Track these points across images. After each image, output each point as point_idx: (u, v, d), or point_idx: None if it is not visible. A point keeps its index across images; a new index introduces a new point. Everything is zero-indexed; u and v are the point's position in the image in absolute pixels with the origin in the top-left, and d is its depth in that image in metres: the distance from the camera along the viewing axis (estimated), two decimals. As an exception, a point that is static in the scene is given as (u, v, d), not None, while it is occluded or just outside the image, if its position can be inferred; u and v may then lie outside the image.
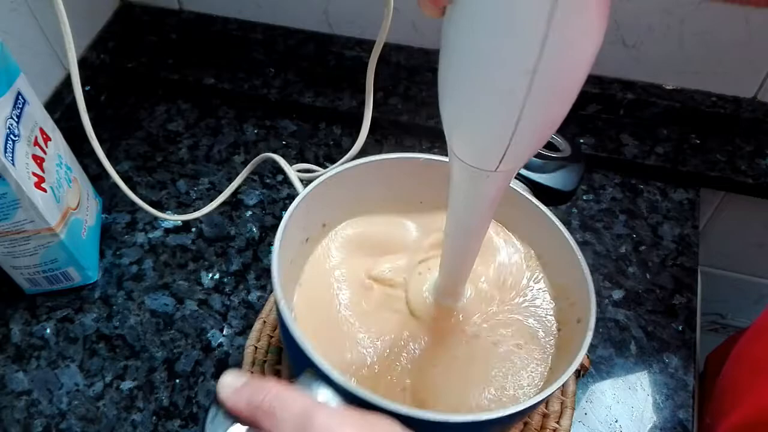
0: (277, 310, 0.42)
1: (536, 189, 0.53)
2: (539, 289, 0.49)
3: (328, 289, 0.49)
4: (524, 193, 0.49)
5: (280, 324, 0.45)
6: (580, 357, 0.40)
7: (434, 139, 0.68)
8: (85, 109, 0.50)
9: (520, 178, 0.53)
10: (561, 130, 0.63)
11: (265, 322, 0.54)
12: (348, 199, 0.50)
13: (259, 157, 0.62)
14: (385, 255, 0.50)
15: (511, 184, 0.50)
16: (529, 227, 0.49)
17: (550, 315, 0.48)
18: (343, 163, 0.49)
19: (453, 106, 0.29)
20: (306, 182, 0.55)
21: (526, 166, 0.53)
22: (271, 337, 0.53)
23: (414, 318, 0.47)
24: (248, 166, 0.63)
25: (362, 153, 0.50)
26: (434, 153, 0.68)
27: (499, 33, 0.24)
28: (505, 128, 0.27)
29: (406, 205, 0.52)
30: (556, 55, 0.23)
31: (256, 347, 0.52)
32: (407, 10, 0.64)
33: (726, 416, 0.49)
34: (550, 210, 0.48)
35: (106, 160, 0.53)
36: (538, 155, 0.54)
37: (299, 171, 0.61)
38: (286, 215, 0.46)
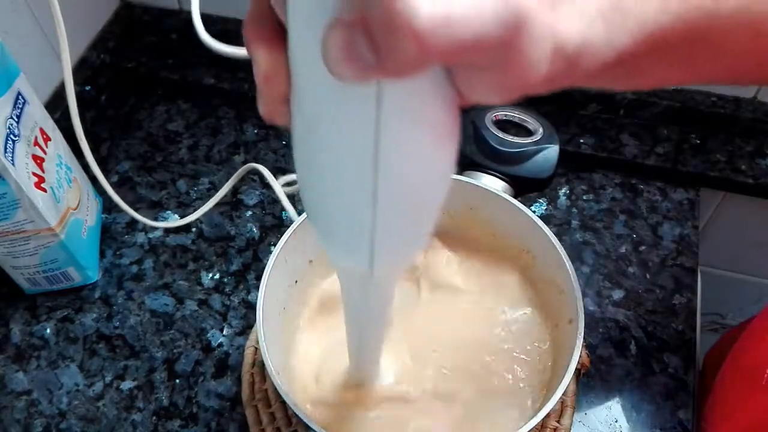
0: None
1: (515, 181, 0.53)
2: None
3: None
4: (503, 195, 0.49)
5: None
6: (574, 363, 0.41)
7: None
8: (77, 116, 0.50)
9: (496, 174, 0.53)
10: (554, 123, 0.63)
11: (265, 322, 0.54)
12: None
13: (244, 167, 0.62)
14: None
15: (489, 184, 0.50)
16: (514, 226, 0.49)
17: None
18: None
19: (308, 211, 0.28)
20: (291, 196, 0.56)
21: (501, 160, 0.53)
22: (271, 337, 0.53)
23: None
24: (234, 176, 0.63)
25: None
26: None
27: (331, 142, 0.23)
28: (361, 233, 0.26)
29: None
30: (396, 163, 0.23)
31: (256, 347, 0.52)
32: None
33: (725, 419, 0.49)
34: (537, 200, 0.48)
35: (99, 169, 0.54)
36: (512, 144, 0.53)
37: (285, 184, 0.61)
38: (270, 260, 0.46)
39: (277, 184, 0.59)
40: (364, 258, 0.28)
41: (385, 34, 0.16)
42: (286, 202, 0.59)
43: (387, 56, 0.17)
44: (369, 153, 0.22)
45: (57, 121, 0.56)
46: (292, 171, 0.67)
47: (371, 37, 0.17)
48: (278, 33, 0.22)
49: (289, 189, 0.61)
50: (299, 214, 0.49)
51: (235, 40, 0.72)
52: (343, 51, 0.17)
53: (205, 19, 0.73)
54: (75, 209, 0.56)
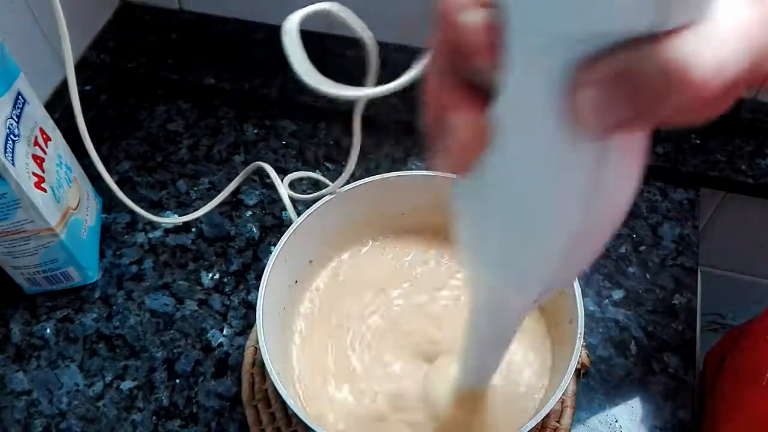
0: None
1: None
2: None
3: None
4: None
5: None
6: (574, 363, 0.41)
7: (434, 139, 0.68)
8: (81, 113, 0.50)
9: None
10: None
11: (265, 322, 0.54)
12: (332, 231, 0.51)
13: (250, 166, 0.63)
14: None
15: None
16: None
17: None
18: (329, 190, 0.50)
19: (484, 262, 0.28)
20: (294, 201, 0.56)
21: None
22: (271, 337, 0.53)
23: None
24: (240, 175, 0.63)
25: (362, 154, 0.50)
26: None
27: (540, 199, 0.22)
28: (542, 278, 0.26)
29: (391, 220, 0.53)
30: (599, 211, 0.22)
31: (256, 347, 0.52)
32: (407, 10, 0.64)
33: (726, 420, 0.49)
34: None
35: (102, 166, 0.54)
36: None
37: (293, 180, 0.61)
38: (270, 260, 0.46)
39: (282, 184, 0.59)
40: (534, 295, 0.28)
41: (658, 88, 0.16)
42: (287, 203, 0.59)
43: (653, 110, 0.17)
44: (578, 207, 0.22)
45: (57, 121, 0.56)
46: (293, 172, 0.67)
47: (636, 92, 0.16)
48: (475, 91, 0.21)
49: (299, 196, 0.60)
50: (299, 214, 0.49)
51: (234, 39, 0.73)
52: (600, 105, 0.17)
53: (205, 19, 0.73)
54: (75, 209, 0.56)
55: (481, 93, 0.20)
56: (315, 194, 0.59)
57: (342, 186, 0.50)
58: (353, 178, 0.51)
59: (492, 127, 0.21)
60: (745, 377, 0.49)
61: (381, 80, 0.62)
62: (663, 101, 0.16)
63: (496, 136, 0.21)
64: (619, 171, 0.21)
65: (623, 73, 0.16)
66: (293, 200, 0.59)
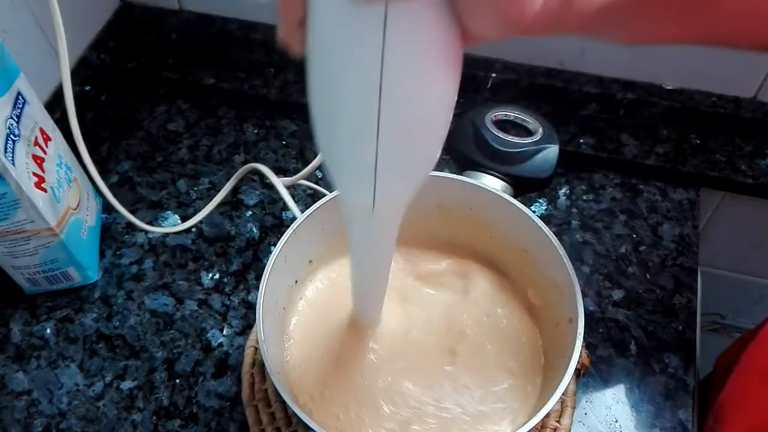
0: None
1: (514, 181, 0.53)
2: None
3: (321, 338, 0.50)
4: (503, 195, 0.49)
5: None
6: (574, 363, 0.41)
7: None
8: (75, 115, 0.50)
9: (496, 174, 0.53)
10: (554, 123, 0.63)
11: (265, 322, 0.54)
12: (332, 231, 0.51)
13: (244, 167, 0.62)
14: None
15: (489, 184, 0.51)
16: (514, 226, 0.49)
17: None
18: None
19: (318, 141, 0.30)
20: (296, 190, 0.56)
21: (501, 160, 0.53)
22: (271, 337, 0.53)
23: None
24: (234, 176, 0.63)
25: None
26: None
27: (339, 68, 0.24)
28: (365, 162, 0.27)
29: None
30: (398, 91, 0.24)
31: (256, 347, 0.52)
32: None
33: (734, 421, 0.49)
34: (537, 200, 0.48)
35: (96, 172, 0.54)
36: (511, 144, 0.53)
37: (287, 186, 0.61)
38: (270, 260, 0.46)
39: (279, 183, 0.59)
40: (368, 190, 0.29)
41: None
42: (289, 200, 0.59)
43: None
44: (373, 80, 0.23)
45: (57, 121, 0.56)
46: (293, 172, 0.67)
47: None
48: None
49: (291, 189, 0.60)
50: (302, 212, 0.49)
51: (234, 39, 0.72)
52: None
53: (205, 19, 0.73)
54: (75, 209, 0.56)
55: None
56: (300, 174, 0.58)
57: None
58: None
59: None
60: (757, 377, 0.49)
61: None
62: None
63: (308, 4, 0.23)
64: (412, 53, 0.23)
65: None
66: (294, 196, 0.59)
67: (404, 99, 0.24)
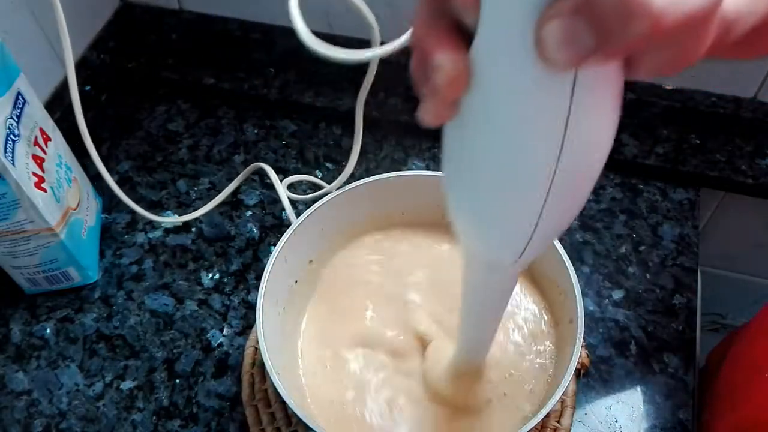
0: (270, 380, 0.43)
1: None
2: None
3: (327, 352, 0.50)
4: None
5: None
6: (574, 363, 0.41)
7: (434, 140, 0.68)
8: (81, 112, 0.50)
9: None
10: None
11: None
12: (332, 231, 0.51)
13: (249, 167, 0.63)
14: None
15: None
16: None
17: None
18: (329, 191, 0.50)
19: (466, 209, 0.28)
20: (293, 201, 0.56)
21: None
22: (271, 337, 0.53)
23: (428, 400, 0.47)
24: (241, 175, 0.63)
25: (362, 154, 0.50)
26: (434, 152, 0.68)
27: (514, 146, 0.23)
28: (525, 229, 0.26)
29: (390, 220, 0.53)
30: (576, 153, 0.23)
31: (256, 347, 0.52)
32: (407, 9, 0.64)
33: (724, 416, 0.49)
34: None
35: (102, 165, 0.54)
36: None
37: (289, 186, 0.61)
38: (270, 260, 0.46)
39: (281, 185, 0.59)
40: (518, 250, 0.28)
41: (617, 16, 0.17)
42: (286, 204, 0.59)
43: (614, 39, 0.18)
44: (555, 143, 0.22)
45: (57, 121, 0.56)
46: (293, 172, 0.67)
47: (596, 22, 0.17)
48: (458, 34, 0.22)
49: (292, 191, 0.61)
50: (298, 216, 0.49)
51: (234, 39, 0.72)
52: (564, 37, 0.18)
53: (205, 19, 0.73)
54: (75, 209, 0.56)
55: (465, 36, 0.22)
56: (314, 194, 0.59)
57: (341, 185, 0.50)
58: (353, 178, 0.51)
59: (471, 66, 0.22)
60: (747, 371, 0.49)
61: (381, 83, 0.63)
62: (623, 29, 0.17)
63: (474, 76, 0.22)
64: (593, 107, 0.22)
65: (584, 4, 0.17)
66: (292, 201, 0.59)
67: (580, 157, 0.24)
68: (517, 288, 0.52)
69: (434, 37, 0.22)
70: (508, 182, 0.25)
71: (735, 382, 0.50)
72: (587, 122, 0.22)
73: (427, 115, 0.24)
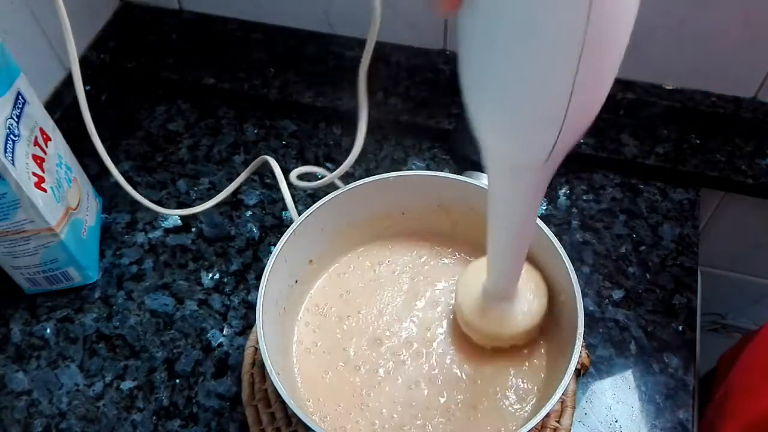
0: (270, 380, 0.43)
1: None
2: None
3: (331, 349, 0.50)
4: None
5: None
6: (574, 363, 0.41)
7: (435, 139, 0.68)
8: (86, 106, 0.50)
9: None
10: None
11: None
12: (332, 231, 0.51)
13: (257, 159, 0.63)
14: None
15: (485, 183, 0.50)
16: None
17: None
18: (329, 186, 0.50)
19: (492, 102, 0.26)
20: (296, 190, 0.56)
21: None
22: (271, 337, 0.53)
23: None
24: (247, 169, 0.63)
25: (362, 154, 0.50)
26: (434, 152, 0.68)
27: (540, 17, 0.22)
28: (557, 112, 0.25)
29: (391, 219, 0.53)
30: (604, 18, 0.22)
31: (256, 347, 0.52)
32: (407, 10, 0.64)
33: (732, 418, 0.49)
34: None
35: (108, 157, 0.54)
36: None
37: (298, 177, 0.61)
38: (270, 260, 0.46)
39: (284, 182, 0.59)
40: (549, 142, 0.26)
41: None
42: (288, 200, 0.58)
43: None
44: (584, 6, 0.21)
45: (57, 121, 0.56)
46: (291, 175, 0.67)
47: None
48: None
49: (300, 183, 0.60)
50: (299, 213, 0.49)
51: (234, 39, 0.72)
52: None
53: (205, 19, 0.73)
54: (75, 209, 0.56)
55: None
56: (317, 182, 0.59)
57: (345, 174, 0.50)
58: (353, 178, 0.51)
59: None
60: (758, 374, 0.49)
61: (381, 82, 0.63)
62: None
63: None
64: None
65: None
66: (294, 196, 0.59)
67: (610, 22, 0.22)
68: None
69: None
70: (535, 59, 0.23)
71: (746, 385, 0.50)
72: None
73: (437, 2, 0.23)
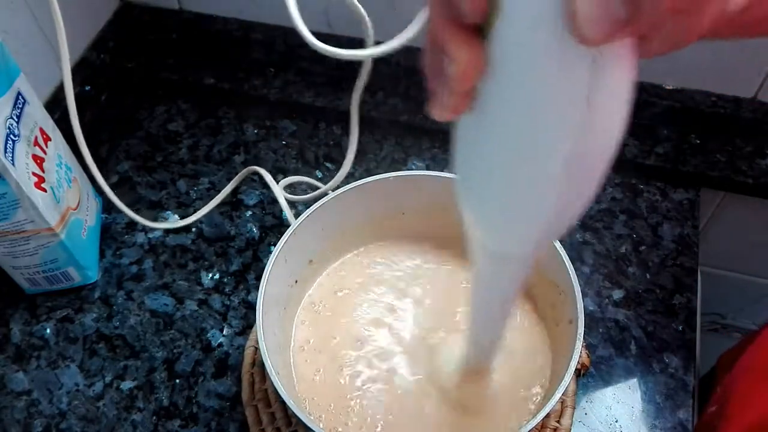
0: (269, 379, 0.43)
1: None
2: None
3: (328, 352, 0.50)
4: None
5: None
6: (574, 363, 0.41)
7: (434, 140, 0.68)
8: (76, 116, 0.50)
9: None
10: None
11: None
12: (332, 231, 0.51)
13: (244, 170, 0.63)
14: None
15: None
16: None
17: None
18: (329, 189, 0.50)
19: (480, 202, 0.28)
20: (292, 203, 0.56)
21: None
22: (271, 337, 0.53)
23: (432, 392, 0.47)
24: (232, 181, 0.63)
25: (362, 154, 0.50)
26: (434, 152, 0.68)
27: (536, 120, 0.23)
28: (540, 216, 0.26)
29: (390, 220, 0.53)
30: (594, 133, 0.23)
31: (256, 347, 0.52)
32: (408, 10, 0.64)
33: (732, 419, 0.49)
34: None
35: (98, 171, 0.54)
36: None
37: (286, 187, 0.61)
38: (270, 260, 0.46)
39: (277, 186, 0.59)
40: (533, 240, 0.28)
41: None
42: (284, 204, 0.59)
43: (645, 8, 0.18)
44: (574, 125, 0.22)
45: (57, 121, 0.56)
46: (293, 173, 0.67)
47: None
48: (471, 30, 0.22)
49: (289, 193, 0.60)
50: (296, 217, 0.49)
51: (234, 39, 0.72)
52: (597, 10, 0.18)
53: (205, 19, 0.73)
54: (75, 209, 0.56)
55: (476, 29, 0.22)
56: (312, 194, 0.59)
57: (336, 187, 0.50)
58: (353, 178, 0.51)
59: (489, 53, 0.22)
60: (759, 374, 0.49)
61: (381, 82, 0.63)
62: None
63: (491, 64, 0.22)
64: (611, 88, 0.22)
65: None
66: (290, 202, 0.59)
67: (597, 140, 0.24)
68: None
69: (448, 29, 0.22)
70: (525, 169, 0.25)
71: (748, 384, 0.50)
72: (605, 103, 0.23)
73: (440, 108, 0.24)
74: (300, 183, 0.65)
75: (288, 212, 0.58)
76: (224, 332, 0.56)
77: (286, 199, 0.59)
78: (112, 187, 0.62)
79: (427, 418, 0.46)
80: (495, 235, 0.29)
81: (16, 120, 0.48)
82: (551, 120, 0.23)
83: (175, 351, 0.55)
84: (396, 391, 0.47)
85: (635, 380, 0.53)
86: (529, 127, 0.23)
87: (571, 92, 0.22)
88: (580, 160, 0.24)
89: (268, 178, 0.60)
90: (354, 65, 0.53)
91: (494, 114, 0.24)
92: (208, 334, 0.56)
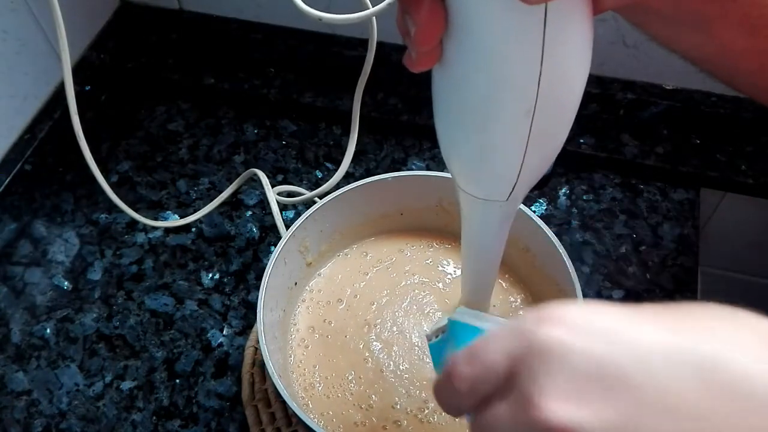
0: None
1: None
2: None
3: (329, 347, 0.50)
4: None
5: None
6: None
7: (434, 140, 0.68)
8: (77, 117, 0.50)
9: None
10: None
11: (265, 322, 0.54)
12: (331, 231, 0.51)
13: (245, 173, 0.62)
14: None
15: None
16: (514, 225, 0.49)
17: None
18: (326, 190, 0.50)
19: (457, 152, 0.30)
20: (283, 206, 0.55)
21: None
22: (271, 337, 0.53)
23: None
24: (233, 184, 0.63)
25: (362, 154, 0.50)
26: (434, 152, 0.68)
27: (495, 83, 0.25)
28: (513, 163, 0.28)
29: (390, 220, 0.53)
30: (553, 85, 0.25)
31: (256, 347, 0.52)
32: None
33: None
34: (537, 200, 0.48)
35: (99, 172, 0.54)
36: None
37: (280, 194, 0.61)
38: (270, 261, 0.46)
39: (272, 193, 0.58)
40: (509, 186, 0.30)
41: None
42: (276, 212, 0.58)
43: None
44: (533, 76, 0.24)
45: (57, 121, 0.56)
46: (293, 173, 0.67)
47: None
48: None
49: (284, 199, 0.60)
50: (287, 228, 0.49)
51: (234, 39, 0.72)
52: None
53: (205, 19, 0.73)
54: None
55: None
56: (303, 197, 0.58)
57: (336, 187, 0.50)
58: (353, 178, 0.51)
59: (451, 13, 0.25)
60: None
61: (381, 82, 0.63)
62: None
63: (452, 23, 0.25)
64: (565, 40, 0.24)
65: None
66: (284, 205, 0.59)
67: (558, 90, 0.26)
68: (513, 287, 0.52)
69: None
70: (492, 118, 0.27)
71: None
72: (562, 58, 0.25)
73: (410, 61, 0.27)
74: (294, 192, 0.64)
75: (279, 221, 0.57)
76: (224, 332, 0.56)
77: (282, 203, 0.59)
78: (113, 186, 0.62)
79: (432, 414, 0.46)
80: (472, 180, 0.31)
81: None
82: (509, 73, 0.25)
83: (175, 351, 0.55)
84: (400, 389, 0.47)
85: (635, 380, 0.53)
86: (490, 80, 0.25)
87: (525, 45, 0.24)
88: (543, 109, 0.26)
89: (264, 181, 0.59)
90: (354, 65, 0.53)
91: (459, 68, 0.26)
92: (208, 334, 0.56)
